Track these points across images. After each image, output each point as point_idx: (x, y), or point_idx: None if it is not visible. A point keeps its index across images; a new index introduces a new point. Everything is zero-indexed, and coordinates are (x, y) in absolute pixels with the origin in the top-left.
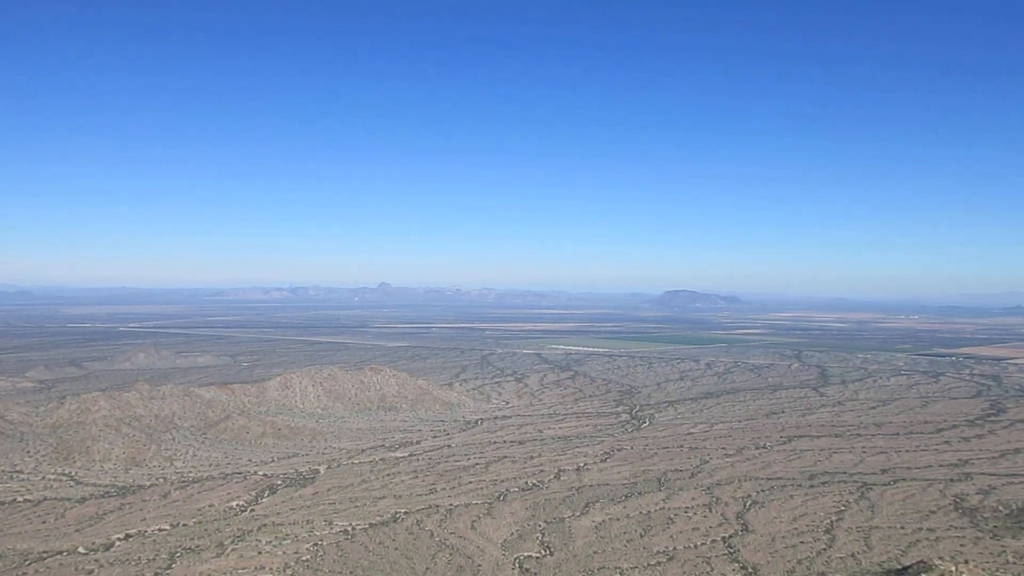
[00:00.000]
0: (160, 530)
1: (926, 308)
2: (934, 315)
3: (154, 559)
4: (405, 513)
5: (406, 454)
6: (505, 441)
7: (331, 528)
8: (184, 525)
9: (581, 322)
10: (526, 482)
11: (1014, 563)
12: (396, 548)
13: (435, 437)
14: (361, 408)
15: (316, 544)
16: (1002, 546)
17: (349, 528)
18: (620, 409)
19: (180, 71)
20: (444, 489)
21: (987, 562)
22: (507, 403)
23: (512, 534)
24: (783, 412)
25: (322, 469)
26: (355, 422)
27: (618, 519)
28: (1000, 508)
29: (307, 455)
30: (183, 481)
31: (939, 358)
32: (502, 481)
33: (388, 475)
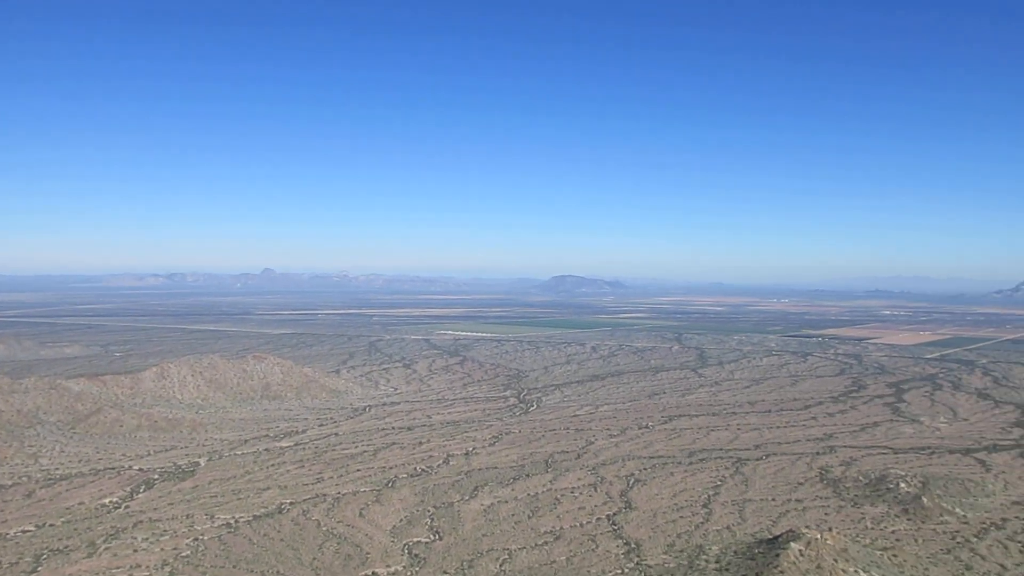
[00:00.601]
0: (24, 532)
1: (796, 292)
2: (803, 298)
3: (17, 563)
4: (291, 504)
5: (291, 443)
6: (393, 428)
7: (213, 522)
8: (51, 525)
9: (470, 307)
10: (415, 468)
11: (871, 528)
12: (282, 539)
13: (322, 425)
14: (244, 398)
15: (197, 539)
16: (862, 513)
17: (232, 521)
18: (508, 393)
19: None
20: (331, 478)
21: (848, 528)
22: (395, 389)
23: (401, 520)
24: (664, 393)
25: (202, 461)
26: (238, 412)
27: (506, 501)
28: (860, 478)
29: (186, 447)
30: (49, 479)
31: (807, 339)
32: (391, 468)
33: (273, 465)
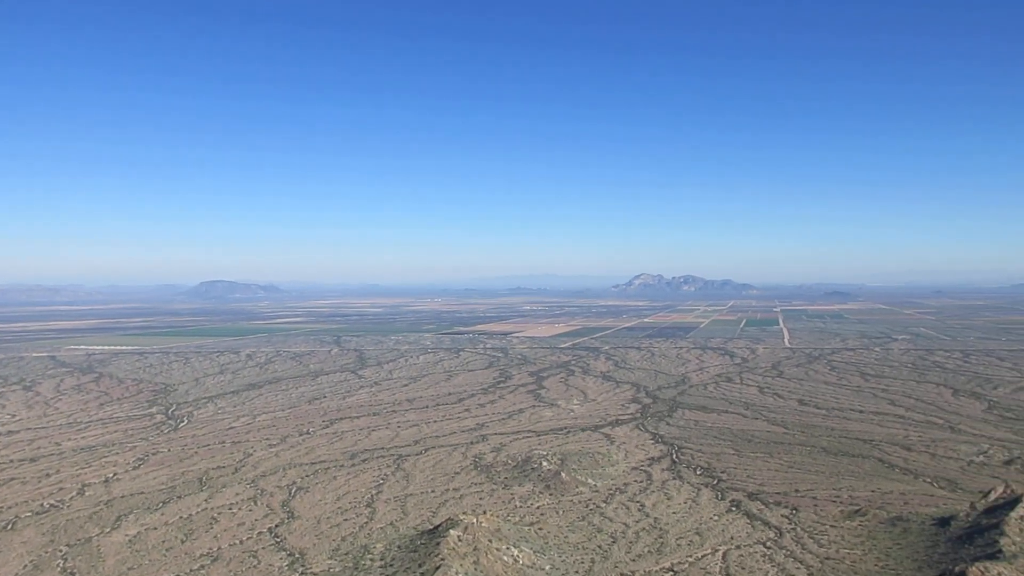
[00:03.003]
0: None
1: (448, 291)
2: (455, 297)
3: None
4: None
5: None
6: (11, 460)
7: None
8: None
9: (105, 318)
10: (41, 504)
11: (520, 506)
12: None
13: None
14: None
15: None
16: (511, 493)
17: None
18: (155, 410)
19: None
20: None
21: (501, 509)
22: (13, 417)
23: (26, 566)
24: (325, 397)
25: None
26: None
27: (155, 528)
28: (509, 461)
29: None
30: None
31: (459, 335)
32: (10, 507)
33: None
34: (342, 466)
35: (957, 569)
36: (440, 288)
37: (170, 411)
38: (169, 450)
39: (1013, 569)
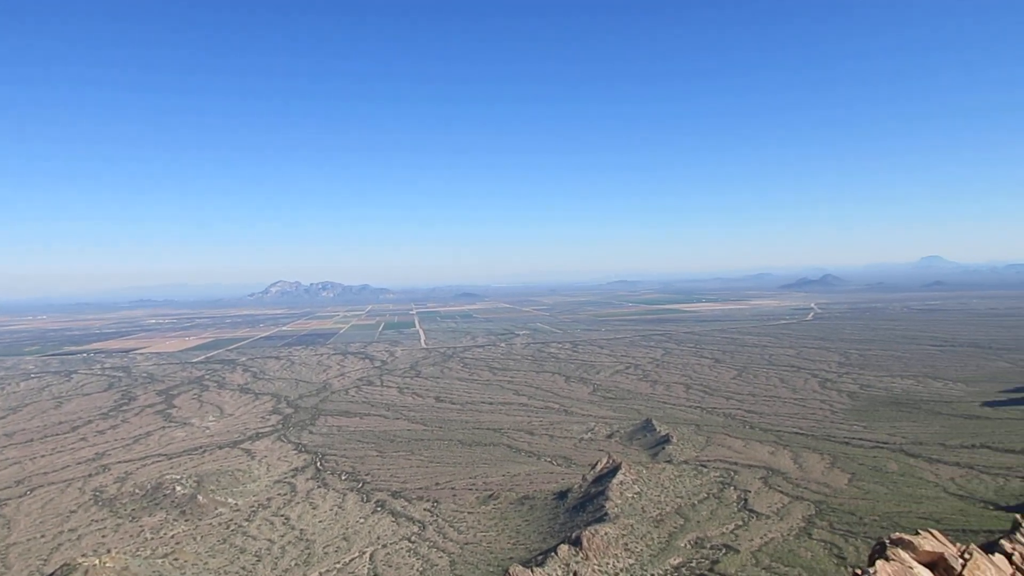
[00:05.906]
0: None
1: (54, 307)
2: (63, 313)
3: None
4: None
5: None
6: None
7: None
8: None
9: None
10: None
11: (152, 538)
12: None
13: None
14: None
15: None
16: (141, 526)
17: None
18: None
19: None
20: None
21: (128, 544)
22: None
23: None
24: None
25: None
26: None
27: None
28: (136, 491)
29: None
30: None
31: (71, 356)
32: None
33: None
34: None
35: (574, 535)
36: (43, 304)
37: None
38: None
39: (616, 527)
